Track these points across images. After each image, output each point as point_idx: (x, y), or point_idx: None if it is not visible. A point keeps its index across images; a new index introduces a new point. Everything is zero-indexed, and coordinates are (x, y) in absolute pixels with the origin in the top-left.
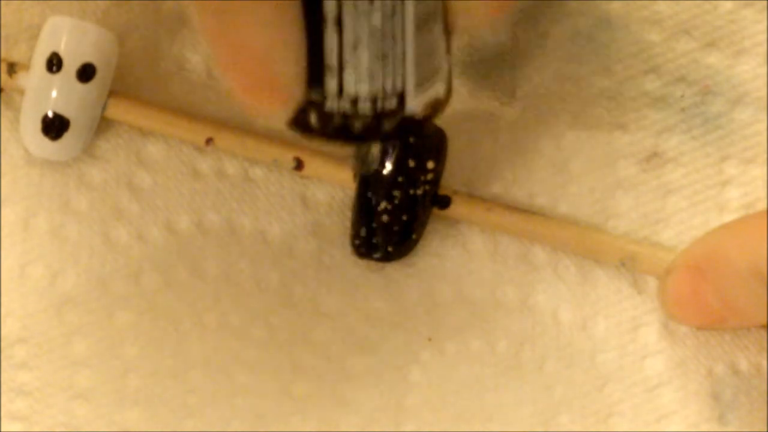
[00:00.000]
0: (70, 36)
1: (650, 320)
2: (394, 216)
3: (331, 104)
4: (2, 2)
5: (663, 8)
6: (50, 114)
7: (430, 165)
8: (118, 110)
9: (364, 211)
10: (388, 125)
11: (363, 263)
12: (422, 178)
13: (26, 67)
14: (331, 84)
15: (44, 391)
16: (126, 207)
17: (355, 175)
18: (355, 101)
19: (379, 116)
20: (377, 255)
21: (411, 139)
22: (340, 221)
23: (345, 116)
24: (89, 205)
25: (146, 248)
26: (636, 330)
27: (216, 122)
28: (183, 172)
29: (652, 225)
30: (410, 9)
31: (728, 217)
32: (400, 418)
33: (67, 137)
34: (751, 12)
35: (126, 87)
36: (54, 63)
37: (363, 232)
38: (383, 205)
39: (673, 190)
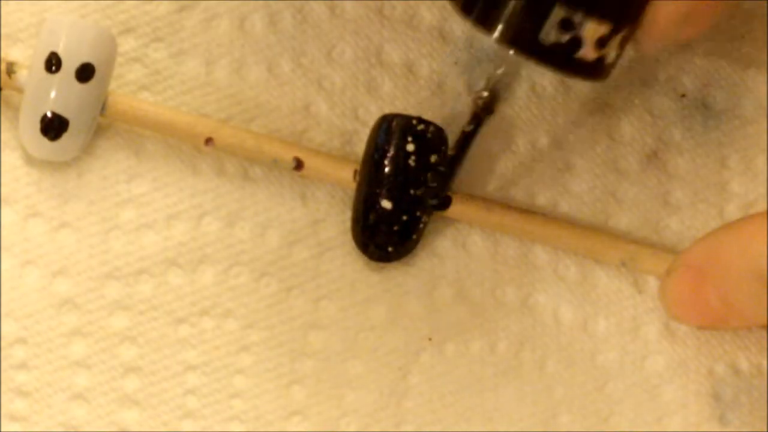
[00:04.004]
0: (69, 36)
1: (651, 320)
2: (394, 216)
3: None
4: (2, 2)
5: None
6: (49, 114)
7: (432, 160)
8: (117, 110)
9: (364, 210)
10: None
11: (363, 263)
12: (422, 177)
13: (25, 66)
14: None
15: (43, 392)
16: (125, 207)
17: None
18: None
19: None
20: (377, 255)
21: (411, 139)
22: (340, 221)
23: None
24: (88, 204)
25: (145, 248)
26: (636, 330)
27: (216, 122)
28: (182, 171)
29: (653, 225)
30: None
31: (728, 217)
32: (399, 418)
33: (66, 137)
34: (750, 11)
35: (125, 87)
36: (53, 63)
37: (363, 231)
38: (383, 204)
39: (674, 190)
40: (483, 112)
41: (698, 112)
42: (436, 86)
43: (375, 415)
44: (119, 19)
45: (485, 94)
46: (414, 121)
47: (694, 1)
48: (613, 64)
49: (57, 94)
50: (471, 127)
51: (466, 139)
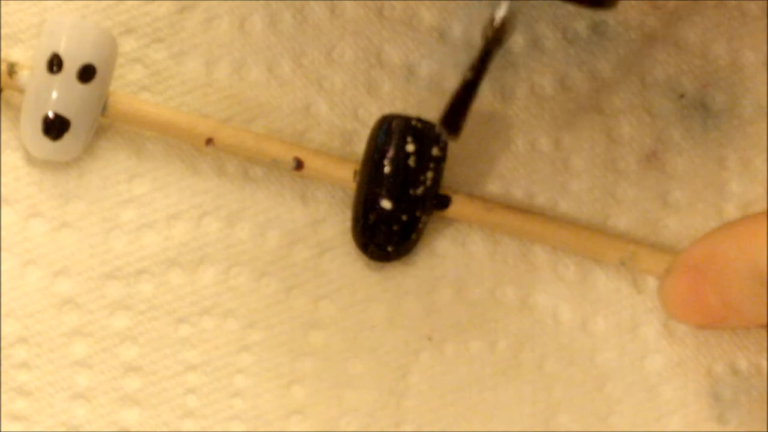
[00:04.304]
0: (70, 36)
1: (650, 320)
2: (394, 216)
3: None
4: (2, 2)
5: (662, 8)
6: (51, 114)
7: (431, 164)
8: (118, 110)
9: (364, 210)
10: None
11: (363, 263)
12: (422, 177)
13: (26, 67)
14: None
15: (44, 391)
16: (126, 206)
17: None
18: None
19: None
20: (377, 255)
21: (411, 139)
22: (340, 221)
23: None
24: (89, 204)
25: (146, 248)
26: (636, 329)
27: (216, 123)
28: (183, 171)
29: (652, 225)
30: None
31: (727, 217)
32: (399, 418)
33: (68, 137)
34: (751, 12)
35: (126, 87)
36: (54, 63)
37: (363, 231)
38: (383, 204)
39: (673, 190)
40: (493, 43)
41: (697, 113)
42: (436, 86)
43: (375, 414)
44: (120, 19)
45: (497, 20)
46: (414, 121)
47: None
48: None
49: (58, 94)
50: (480, 63)
51: (476, 78)
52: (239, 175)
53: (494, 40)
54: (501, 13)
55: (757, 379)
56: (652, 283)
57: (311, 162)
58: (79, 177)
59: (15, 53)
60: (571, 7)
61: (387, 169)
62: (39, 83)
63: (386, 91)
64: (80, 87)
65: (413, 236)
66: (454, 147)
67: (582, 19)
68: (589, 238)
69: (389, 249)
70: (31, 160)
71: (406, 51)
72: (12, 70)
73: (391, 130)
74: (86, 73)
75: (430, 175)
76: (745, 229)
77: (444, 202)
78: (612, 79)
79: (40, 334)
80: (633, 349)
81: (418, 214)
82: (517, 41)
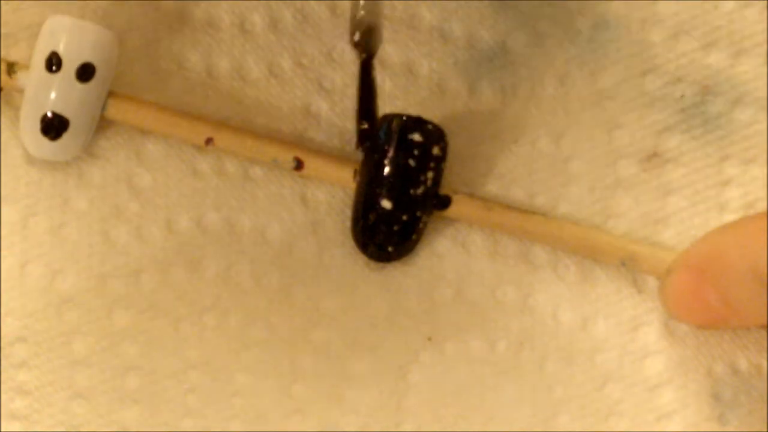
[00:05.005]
0: (70, 35)
1: (650, 320)
2: (394, 216)
3: None
4: (2, 2)
5: (663, 8)
6: (49, 114)
7: (431, 164)
8: (117, 110)
9: (364, 210)
10: None
11: (363, 263)
12: (422, 177)
13: (26, 66)
14: None
15: (44, 391)
16: (126, 206)
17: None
18: None
19: None
20: (377, 255)
21: (411, 138)
22: (340, 221)
23: None
24: (89, 204)
25: (146, 247)
26: (636, 330)
27: (216, 122)
28: (183, 171)
29: (652, 225)
30: None
31: (728, 217)
32: (399, 418)
33: (67, 137)
34: (751, 12)
35: (126, 87)
36: (53, 62)
37: (363, 231)
38: (383, 204)
39: (673, 190)
40: (366, 54)
41: (698, 113)
42: (436, 86)
43: (375, 414)
44: (120, 19)
45: (357, 37)
46: (414, 121)
47: None
48: None
49: (57, 94)
50: (362, 76)
51: (366, 91)
52: (239, 175)
53: (365, 48)
54: (361, 12)
55: (757, 379)
56: (652, 283)
57: (311, 162)
58: (78, 176)
59: (15, 53)
60: (571, 6)
61: (387, 169)
62: (38, 82)
63: (386, 91)
64: (79, 86)
65: (413, 236)
66: (454, 147)
67: (583, 18)
68: (589, 238)
69: (389, 249)
70: (30, 159)
71: (406, 51)
72: (11, 69)
73: (391, 130)
74: (85, 73)
75: (430, 175)
76: (745, 229)
77: (444, 202)
78: (612, 79)
79: (39, 333)
80: (633, 350)
81: (418, 214)
82: (518, 40)
